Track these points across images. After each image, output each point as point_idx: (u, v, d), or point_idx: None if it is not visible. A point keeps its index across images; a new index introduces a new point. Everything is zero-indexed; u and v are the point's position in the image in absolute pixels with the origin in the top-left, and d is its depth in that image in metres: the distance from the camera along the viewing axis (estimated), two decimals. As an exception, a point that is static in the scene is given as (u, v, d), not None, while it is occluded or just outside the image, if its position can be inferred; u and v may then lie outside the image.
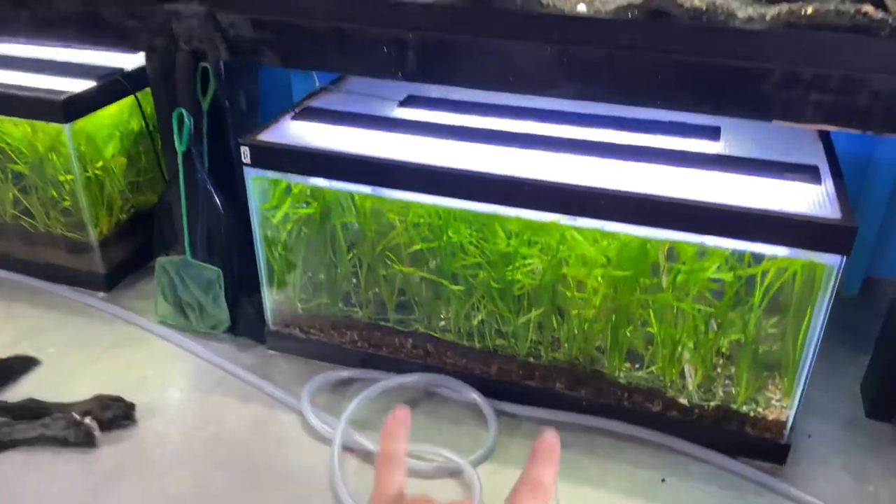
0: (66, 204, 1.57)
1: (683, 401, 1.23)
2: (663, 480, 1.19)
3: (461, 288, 1.28)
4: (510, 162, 1.18)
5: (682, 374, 1.26)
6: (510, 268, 1.24)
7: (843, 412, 1.33)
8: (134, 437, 1.26)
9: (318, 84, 1.69)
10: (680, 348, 1.22)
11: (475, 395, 1.30)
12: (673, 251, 1.16)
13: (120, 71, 1.57)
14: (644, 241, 1.15)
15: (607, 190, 1.09)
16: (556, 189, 1.11)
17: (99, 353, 1.45)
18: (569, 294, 1.23)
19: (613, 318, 1.22)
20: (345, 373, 1.36)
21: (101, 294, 1.62)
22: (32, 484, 1.16)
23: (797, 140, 1.27)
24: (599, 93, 1.17)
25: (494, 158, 1.19)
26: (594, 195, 1.10)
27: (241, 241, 1.47)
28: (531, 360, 1.30)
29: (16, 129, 1.52)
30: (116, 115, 1.60)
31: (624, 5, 1.09)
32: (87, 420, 1.23)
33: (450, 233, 1.25)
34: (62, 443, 1.22)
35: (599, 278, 1.19)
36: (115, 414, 1.27)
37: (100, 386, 1.33)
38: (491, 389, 1.30)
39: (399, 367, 1.35)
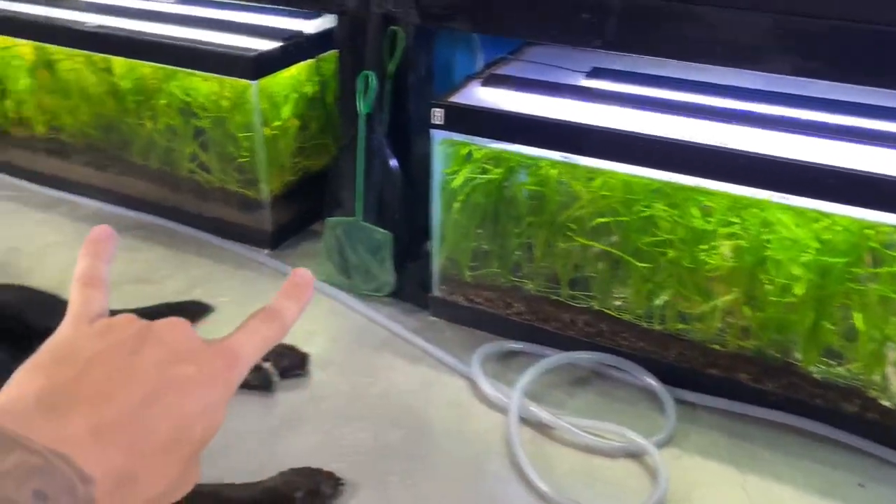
0: (243, 161, 1.62)
1: (886, 403, 1.14)
2: (861, 485, 1.10)
3: (646, 266, 1.24)
4: (709, 134, 1.13)
5: (885, 375, 1.17)
6: (704, 247, 1.18)
7: None
8: (308, 386, 1.28)
9: (482, 59, 1.69)
10: (887, 345, 1.13)
11: (651, 380, 1.25)
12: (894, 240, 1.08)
13: (302, 34, 1.60)
14: (862, 226, 1.07)
15: (832, 167, 1.03)
16: (774, 163, 1.05)
17: (268, 305, 1.48)
18: (766, 280, 1.16)
19: (815, 308, 1.14)
20: (515, 345, 1.34)
21: (265, 251, 1.66)
22: (216, 420, 1.19)
23: None
24: (818, 68, 1.10)
25: (693, 130, 1.15)
26: (816, 171, 1.03)
27: (412, 207, 1.48)
28: (715, 347, 1.24)
29: (204, 84, 1.58)
30: (294, 78, 1.63)
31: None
32: (266, 365, 1.26)
33: (641, 206, 1.20)
34: (243, 385, 1.24)
35: (805, 265, 1.12)
36: (290, 362, 1.29)
37: (272, 336, 1.36)
38: (668, 375, 1.25)
39: (566, 344, 1.32)
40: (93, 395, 0.34)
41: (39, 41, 1.74)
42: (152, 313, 1.36)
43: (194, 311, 1.45)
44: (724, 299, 1.20)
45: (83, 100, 1.76)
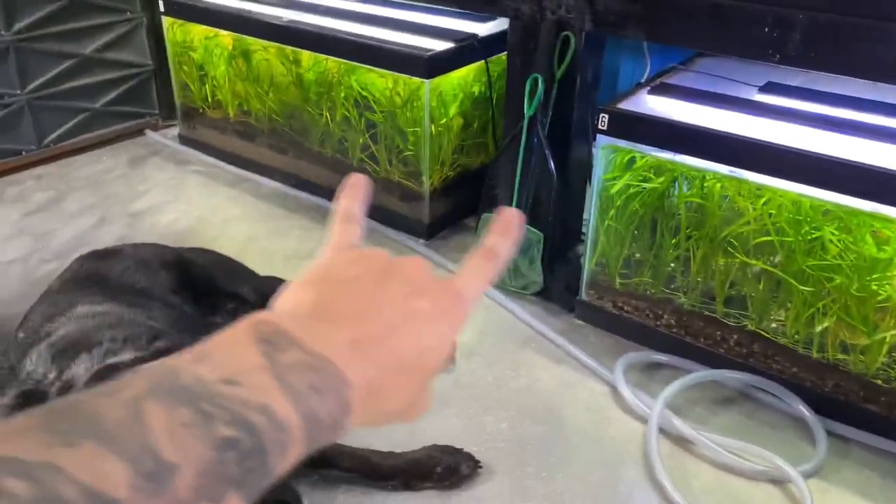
0: (409, 154, 1.71)
1: None
2: None
3: (810, 289, 1.19)
4: (891, 158, 1.07)
5: None
6: (876, 276, 1.13)
7: None
8: (452, 374, 1.34)
9: (649, 68, 1.68)
10: None
11: (803, 408, 1.20)
12: None
13: (475, 36, 1.67)
14: None
15: None
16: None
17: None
18: (946, 316, 1.09)
19: None
20: (661, 356, 1.33)
21: (421, 241, 1.75)
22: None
23: None
24: None
25: (870, 152, 1.09)
26: None
27: (566, 210, 1.51)
28: (878, 382, 1.18)
29: (380, 80, 1.69)
30: (463, 79, 1.71)
31: None
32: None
33: (809, 227, 1.16)
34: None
35: None
36: (439, 348, 1.36)
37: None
38: (822, 405, 1.20)
39: (716, 362, 1.30)
40: (352, 312, 0.40)
41: (238, 32, 1.92)
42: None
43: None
44: (893, 333, 1.14)
45: (271, 88, 1.93)
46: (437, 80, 1.62)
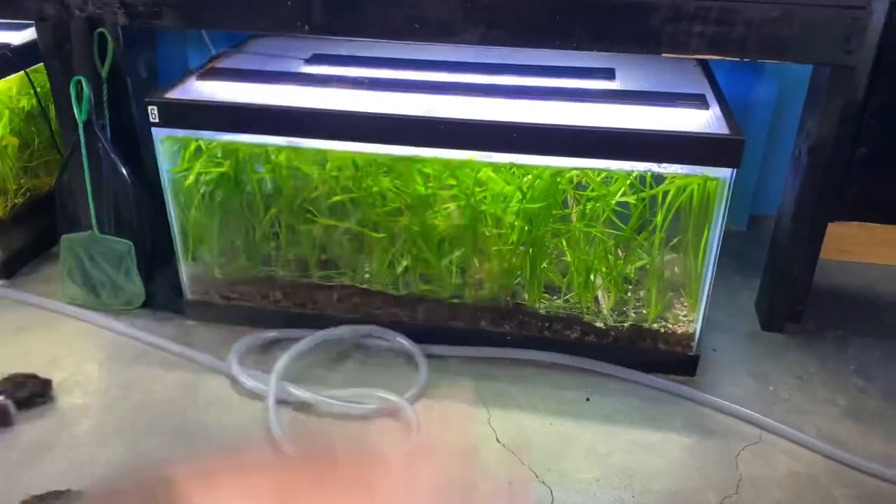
0: (-45, 188, 1.49)
1: (599, 324, 1.31)
2: (587, 399, 1.25)
3: (383, 236, 1.31)
4: (421, 107, 1.21)
5: (596, 300, 1.33)
6: (430, 212, 1.27)
7: (742, 327, 1.45)
8: (54, 412, 1.21)
9: (213, 52, 1.67)
10: (593, 274, 1.30)
11: (403, 340, 1.32)
12: (582, 182, 1.23)
13: (7, 45, 1.49)
14: (554, 172, 1.21)
15: (518, 123, 1.15)
16: (471, 125, 1.16)
17: (5, 337, 1.38)
18: (488, 232, 1.28)
19: (530, 251, 1.28)
20: (271, 333, 1.35)
21: (1, 282, 1.54)
22: (-54, 467, 1.10)
23: (683, 75, 1.37)
24: (502, 36, 1.23)
25: (406, 105, 1.23)
26: (506, 129, 1.15)
27: (151, 212, 1.44)
28: (455, 301, 1.34)
29: None
30: (4, 93, 1.52)
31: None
32: (1, 399, 1.18)
33: (369, 181, 1.27)
34: (-25, 423, 1.16)
35: (516, 214, 1.25)
36: (31, 392, 1.21)
37: (10, 369, 1.26)
38: (418, 335, 1.33)
39: (327, 324, 1.36)
40: None
41: None
42: None
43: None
44: (454, 256, 1.30)
45: None
46: (-34, 98, 1.42)
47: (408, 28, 1.23)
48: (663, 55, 1.19)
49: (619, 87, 1.30)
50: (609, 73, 1.35)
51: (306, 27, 1.26)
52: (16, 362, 1.30)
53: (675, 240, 1.26)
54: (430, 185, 1.26)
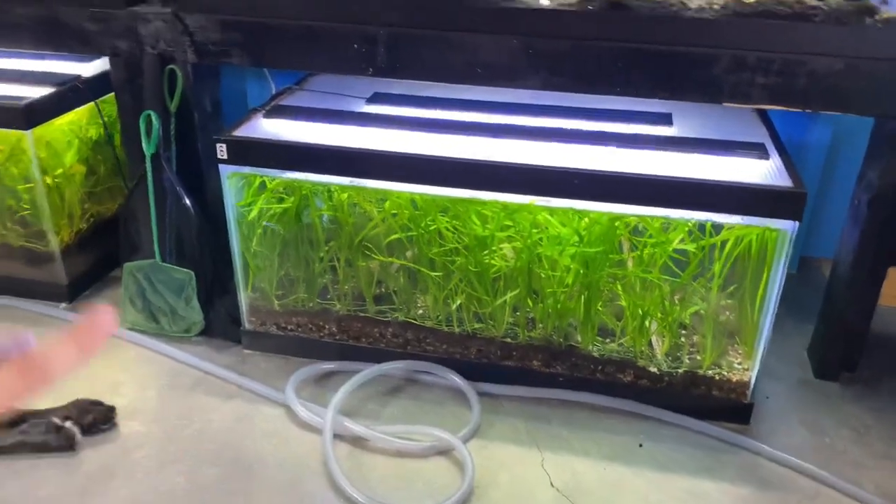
0: (26, 213, 1.54)
1: (653, 369, 1.31)
2: (641, 445, 1.25)
3: (439, 274, 1.33)
4: (481, 149, 1.24)
5: (650, 345, 1.34)
6: (486, 252, 1.29)
7: (795, 374, 1.44)
8: (117, 439, 1.24)
9: (273, 89, 1.72)
10: (648, 320, 1.30)
11: (456, 378, 1.34)
12: (640, 227, 1.24)
13: (78, 77, 1.55)
14: (613, 218, 1.22)
15: (579, 170, 1.16)
16: (531, 171, 1.17)
17: (68, 361, 1.42)
18: (543, 274, 1.29)
19: (585, 294, 1.29)
20: (327, 365, 1.38)
21: (63, 305, 1.59)
22: (16, 491, 1.13)
23: (741, 121, 1.37)
24: (563, 82, 1.25)
25: (466, 147, 1.25)
26: (567, 175, 1.16)
27: (212, 243, 1.48)
28: (508, 340, 1.36)
29: (-29, 137, 1.49)
30: (75, 123, 1.58)
31: (586, -3, 1.17)
32: (68, 424, 1.21)
33: (427, 220, 1.29)
34: (42, 448, 1.19)
35: (572, 257, 1.26)
36: (95, 418, 1.25)
37: (74, 394, 1.30)
38: (471, 372, 1.35)
39: (380, 357, 1.38)
40: None
41: None
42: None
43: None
44: (509, 296, 1.31)
45: None
46: (41, 129, 1.48)
47: (469, 73, 1.26)
48: (725, 105, 1.20)
49: (676, 133, 1.31)
50: (666, 118, 1.36)
51: (370, 70, 1.29)
52: (79, 386, 1.34)
53: (732, 287, 1.26)
54: (488, 226, 1.28)
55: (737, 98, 1.21)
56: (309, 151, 1.25)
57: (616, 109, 1.36)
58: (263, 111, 1.39)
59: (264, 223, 1.37)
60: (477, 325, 1.37)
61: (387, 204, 1.32)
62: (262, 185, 1.36)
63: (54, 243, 1.55)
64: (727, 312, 1.31)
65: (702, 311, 1.30)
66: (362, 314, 1.42)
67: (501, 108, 1.40)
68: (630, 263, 1.26)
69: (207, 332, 1.49)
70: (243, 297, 1.43)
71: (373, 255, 1.36)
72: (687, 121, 1.36)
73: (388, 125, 1.34)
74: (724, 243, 1.21)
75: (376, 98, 1.46)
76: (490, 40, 1.23)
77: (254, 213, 1.36)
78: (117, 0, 1.36)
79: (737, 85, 1.18)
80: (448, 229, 1.29)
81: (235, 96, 1.84)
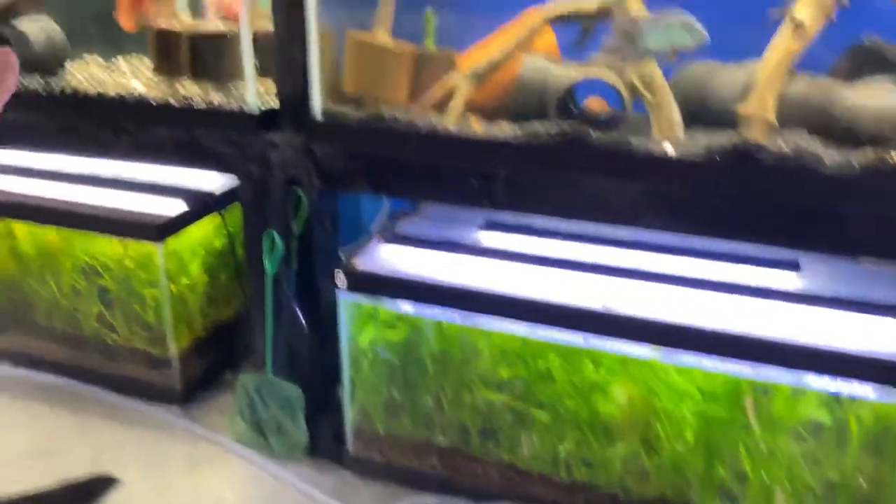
0: (149, 318, 1.61)
1: (778, 539, 1.21)
2: None
3: (548, 416, 1.29)
4: (595, 290, 1.21)
5: (775, 511, 1.24)
6: (598, 397, 1.25)
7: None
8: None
9: (387, 210, 1.74)
10: (774, 485, 1.21)
11: (560, 529, 1.28)
12: (768, 388, 1.17)
13: (210, 195, 1.64)
14: (737, 380, 1.16)
15: (705, 328, 1.11)
16: (653, 324, 1.14)
17: (177, 472, 1.45)
18: (660, 427, 1.23)
19: (705, 452, 1.21)
20: (430, 499, 1.35)
21: (176, 408, 1.64)
22: None
23: (876, 276, 1.29)
24: (685, 226, 1.21)
25: (579, 286, 1.23)
26: (691, 332, 1.12)
27: (322, 362, 1.50)
28: (619, 493, 1.29)
29: (108, 246, 1.59)
30: (201, 234, 1.66)
31: (712, 147, 1.14)
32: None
33: (538, 361, 1.26)
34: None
35: (691, 413, 1.19)
36: (199, 539, 1.26)
37: (181, 507, 1.33)
38: (577, 523, 1.29)
39: (480, 496, 1.34)
40: None
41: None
42: (55, 497, 1.31)
43: (98, 488, 1.40)
44: (621, 447, 1.26)
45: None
46: (171, 240, 1.56)
47: (588, 211, 1.25)
48: (862, 261, 1.14)
49: (805, 283, 1.24)
50: (794, 265, 1.29)
51: (488, 203, 1.30)
52: (188, 500, 1.36)
53: (870, 461, 1.16)
54: (601, 371, 1.24)
55: (877, 254, 1.14)
56: (426, 287, 1.27)
57: (740, 253, 1.31)
58: (380, 237, 1.42)
59: (376, 349, 1.38)
60: (585, 471, 1.31)
61: (497, 341, 1.31)
62: (375, 313, 1.37)
63: (173, 349, 1.61)
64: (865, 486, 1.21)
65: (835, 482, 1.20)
66: (465, 450, 1.38)
67: (619, 244, 1.37)
68: (754, 423, 1.19)
69: (312, 451, 1.50)
70: (349, 419, 1.44)
71: (479, 391, 1.33)
72: (816, 267, 1.29)
73: (504, 258, 1.34)
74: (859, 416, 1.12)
75: (490, 225, 1.46)
76: (614, 183, 1.22)
77: (365, 340, 1.37)
78: (251, 126, 1.44)
79: (878, 241, 1.11)
80: (559, 369, 1.26)
81: (350, 213, 1.88)
